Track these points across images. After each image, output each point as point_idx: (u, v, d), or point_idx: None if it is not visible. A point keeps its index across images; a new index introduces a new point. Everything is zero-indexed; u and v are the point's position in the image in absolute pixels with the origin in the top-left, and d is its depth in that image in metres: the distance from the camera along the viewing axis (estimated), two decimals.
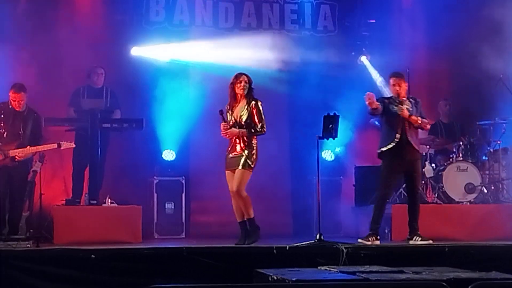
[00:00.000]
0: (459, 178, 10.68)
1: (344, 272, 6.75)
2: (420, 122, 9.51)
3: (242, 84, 9.20)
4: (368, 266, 7.38)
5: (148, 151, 12.19)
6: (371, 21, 13.30)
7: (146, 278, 7.81)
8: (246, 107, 9.24)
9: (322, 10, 13.13)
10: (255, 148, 9.23)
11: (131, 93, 11.84)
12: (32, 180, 10.25)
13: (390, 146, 9.52)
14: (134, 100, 11.81)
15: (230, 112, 9.29)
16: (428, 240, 9.28)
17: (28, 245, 8.80)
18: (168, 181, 11.72)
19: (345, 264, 8.00)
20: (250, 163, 9.14)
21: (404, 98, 9.62)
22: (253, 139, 9.26)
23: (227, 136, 9.26)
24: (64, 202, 10.52)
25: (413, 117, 9.47)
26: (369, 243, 9.09)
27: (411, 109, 9.54)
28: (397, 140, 9.46)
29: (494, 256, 8.36)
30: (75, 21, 11.90)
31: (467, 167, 10.95)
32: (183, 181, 11.72)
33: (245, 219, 9.17)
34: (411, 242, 9.34)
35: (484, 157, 11.38)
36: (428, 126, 9.83)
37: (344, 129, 10.75)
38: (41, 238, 9.60)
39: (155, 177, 11.76)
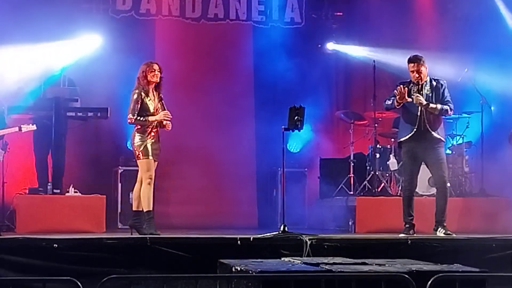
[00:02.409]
0: (422, 171, 10.73)
1: (308, 264, 6.75)
2: (438, 110, 9.26)
3: (156, 73, 9.11)
4: (331, 258, 7.39)
5: (113, 141, 12.13)
6: (338, 13, 13.34)
7: (109, 267, 7.76)
8: (157, 96, 9.17)
9: (290, 2, 13.16)
10: None
11: (97, 82, 11.76)
12: None
13: (408, 136, 9.35)
14: (99, 89, 11.72)
15: (150, 100, 9.10)
16: (451, 234, 9.15)
17: None
18: (132, 171, 11.58)
19: (309, 255, 8.01)
20: None
21: (425, 82, 9.37)
22: None
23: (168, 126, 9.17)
24: (27, 191, 10.42)
25: (431, 106, 9.24)
26: (408, 236, 9.03)
27: (430, 94, 9.30)
28: (415, 129, 9.27)
29: (456, 249, 8.42)
30: (39, 7, 11.77)
31: None
32: None
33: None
34: (437, 233, 9.23)
35: (447, 151, 11.47)
36: (451, 112, 9.47)
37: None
38: (3, 227, 9.53)
39: (119, 167, 11.69)
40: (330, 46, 13.11)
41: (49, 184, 10.39)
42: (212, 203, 12.12)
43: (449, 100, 9.38)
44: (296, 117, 9.04)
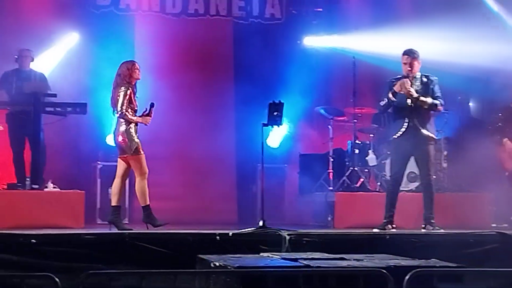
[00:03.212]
0: None
1: (286, 259, 6.77)
2: (429, 104, 9.30)
3: (139, 70, 9.29)
4: (310, 253, 7.42)
5: (92, 136, 12.09)
6: (318, 9, 13.35)
7: (88, 263, 7.74)
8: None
9: None
10: None
11: (76, 77, 11.73)
12: None
13: (399, 133, 9.40)
14: (78, 84, 11.69)
15: (134, 97, 9.26)
16: (439, 229, 9.22)
17: None
18: (111, 166, 11.51)
19: (288, 251, 8.01)
20: None
21: (415, 77, 9.38)
22: None
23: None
24: (6, 186, 10.37)
25: (422, 98, 9.25)
26: (386, 231, 9.08)
27: (420, 89, 9.31)
28: (406, 126, 9.32)
29: (434, 244, 8.45)
30: (18, 2, 11.73)
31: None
32: None
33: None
34: (423, 230, 9.29)
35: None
36: (441, 108, 9.53)
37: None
38: None
39: (98, 162, 11.67)
40: (308, 40, 13.10)
41: (27, 179, 10.34)
42: (191, 198, 12.12)
43: (439, 96, 9.46)
44: (275, 113, 9.05)
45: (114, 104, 9.24)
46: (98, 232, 8.58)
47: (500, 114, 10.96)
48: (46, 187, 10.15)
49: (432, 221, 9.35)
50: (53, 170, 10.83)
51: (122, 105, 9.12)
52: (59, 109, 10.51)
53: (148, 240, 8.09)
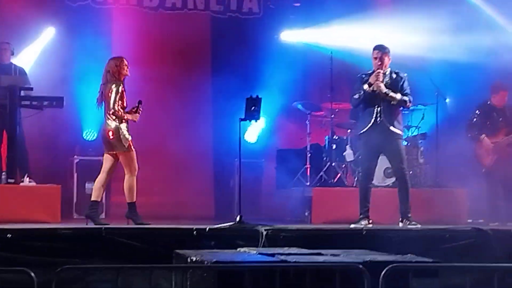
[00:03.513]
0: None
1: (263, 254, 6.77)
2: (397, 100, 9.30)
3: (127, 66, 9.31)
4: (287, 248, 7.43)
5: (69, 130, 12.04)
6: (296, 4, 13.36)
7: (64, 258, 7.69)
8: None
9: None
10: None
11: (52, 71, 11.66)
12: None
13: (366, 128, 9.41)
14: (55, 78, 11.62)
15: (124, 93, 9.29)
16: (416, 224, 9.23)
17: None
18: (88, 161, 11.58)
19: (265, 246, 8.01)
20: None
21: (382, 72, 9.36)
22: None
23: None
24: None
25: (391, 94, 9.27)
26: (361, 226, 9.12)
27: (389, 85, 9.31)
28: (373, 121, 9.34)
29: (410, 240, 8.49)
30: None
31: None
32: None
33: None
34: (400, 225, 9.32)
35: (403, 142, 11.56)
36: (409, 104, 9.49)
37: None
38: None
39: (75, 156, 11.63)
40: (286, 35, 13.09)
41: (3, 173, 10.27)
42: (169, 193, 12.12)
43: (408, 92, 9.45)
44: (253, 108, 9.05)
45: (102, 100, 9.26)
46: (74, 227, 8.54)
47: (477, 111, 11.01)
48: (22, 181, 10.09)
49: (409, 215, 9.38)
50: (30, 164, 10.76)
51: (115, 102, 9.14)
52: (35, 103, 10.44)
53: (125, 235, 8.07)
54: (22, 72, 10.85)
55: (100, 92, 9.29)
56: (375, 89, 9.28)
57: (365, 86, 9.35)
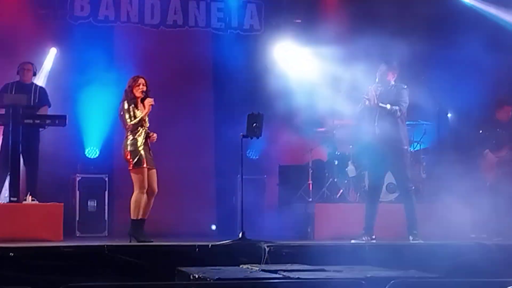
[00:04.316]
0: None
1: (266, 271, 6.78)
2: (388, 110, 9.32)
3: (140, 86, 9.39)
4: (289, 264, 7.43)
5: (71, 148, 12.05)
6: (297, 21, 13.39)
7: (67, 276, 7.71)
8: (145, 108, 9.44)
9: (249, 8, 13.19)
10: None
11: (54, 89, 11.69)
12: None
13: (369, 140, 9.53)
14: (57, 96, 11.65)
15: (139, 111, 9.39)
16: (418, 239, 9.29)
17: None
18: (91, 179, 11.60)
19: (267, 262, 8.02)
20: None
21: (388, 86, 9.48)
22: None
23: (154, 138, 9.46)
24: None
25: (381, 105, 9.33)
26: (363, 242, 9.12)
27: (390, 98, 9.40)
28: (374, 135, 9.45)
29: (413, 255, 8.49)
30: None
31: None
32: (106, 179, 11.63)
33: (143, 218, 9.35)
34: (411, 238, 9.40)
35: (407, 155, 11.55)
36: (399, 113, 9.47)
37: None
38: None
39: (77, 174, 11.63)
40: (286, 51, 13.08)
41: (6, 192, 10.28)
42: (171, 210, 12.08)
43: (402, 101, 9.45)
44: (254, 124, 9.07)
45: (120, 117, 9.45)
46: (77, 245, 8.55)
47: (483, 126, 11.04)
48: (25, 200, 10.09)
49: (415, 231, 9.40)
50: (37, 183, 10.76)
51: (126, 118, 9.31)
52: (38, 121, 10.48)
53: (127, 253, 8.07)
54: (42, 91, 10.94)
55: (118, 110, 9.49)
56: (366, 103, 9.35)
57: (364, 98, 9.45)
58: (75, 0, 12.33)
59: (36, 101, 10.82)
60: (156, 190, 9.43)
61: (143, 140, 9.34)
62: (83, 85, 11.92)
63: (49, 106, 10.91)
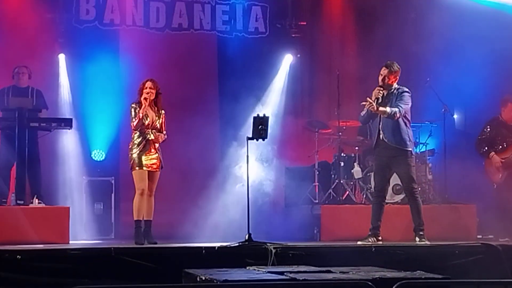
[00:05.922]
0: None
1: (272, 272, 6.77)
2: (387, 113, 9.29)
3: (148, 89, 9.45)
4: (296, 266, 7.42)
5: (77, 151, 12.07)
6: (302, 23, 13.40)
7: (73, 278, 7.72)
8: (156, 114, 9.54)
9: (254, 11, 13.20)
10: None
11: (61, 92, 11.73)
12: None
13: (374, 144, 9.59)
14: (64, 100, 11.70)
15: (145, 114, 9.46)
16: (425, 241, 9.29)
17: None
18: (97, 181, 11.63)
19: (274, 264, 8.01)
20: (162, 164, 9.55)
21: (390, 89, 9.47)
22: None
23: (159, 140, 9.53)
24: None
25: (381, 109, 9.32)
26: (369, 243, 9.14)
27: (392, 101, 9.41)
28: (376, 139, 9.51)
29: (419, 256, 8.49)
30: (1, 18, 11.74)
31: None
32: (113, 181, 11.66)
33: (145, 219, 9.39)
34: (417, 239, 9.41)
35: (411, 158, 11.54)
36: (398, 115, 9.32)
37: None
38: None
39: (84, 177, 11.65)
40: (288, 59, 13.11)
41: (12, 195, 10.30)
42: (177, 212, 12.09)
43: (401, 103, 9.41)
44: (260, 126, 9.07)
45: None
46: (83, 247, 8.57)
47: (487, 127, 11.03)
48: (32, 203, 10.12)
49: (421, 233, 9.40)
50: (42, 186, 10.78)
51: (131, 121, 9.42)
52: (44, 124, 10.52)
53: (134, 255, 8.08)
54: (39, 94, 10.96)
55: None
56: (366, 108, 9.37)
57: (362, 112, 9.48)
58: (81, 4, 12.36)
59: (34, 104, 10.83)
60: (153, 191, 9.49)
61: (141, 143, 9.39)
62: (89, 88, 11.94)
63: (47, 109, 10.91)
